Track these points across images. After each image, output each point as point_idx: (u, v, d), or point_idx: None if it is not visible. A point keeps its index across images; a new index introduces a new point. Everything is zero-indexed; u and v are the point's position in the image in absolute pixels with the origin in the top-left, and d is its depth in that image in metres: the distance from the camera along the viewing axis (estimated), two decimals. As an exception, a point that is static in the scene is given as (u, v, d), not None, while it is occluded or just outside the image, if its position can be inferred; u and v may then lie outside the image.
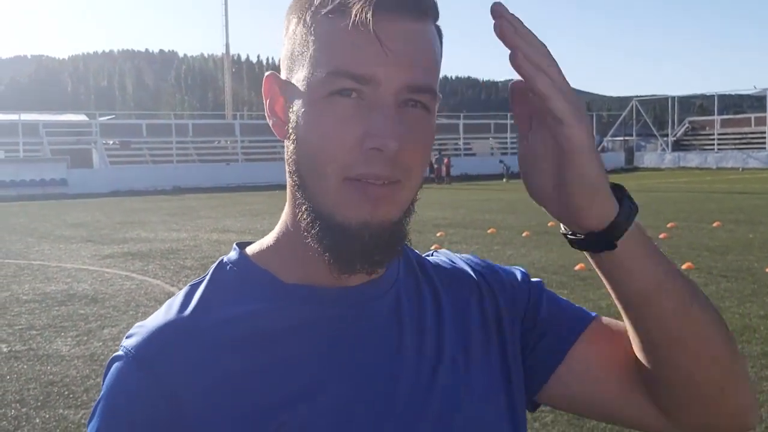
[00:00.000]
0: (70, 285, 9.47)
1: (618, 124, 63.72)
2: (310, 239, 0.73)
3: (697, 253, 10.74)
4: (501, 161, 43.07)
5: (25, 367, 5.85)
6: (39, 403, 4.97)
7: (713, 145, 56.14)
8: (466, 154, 51.05)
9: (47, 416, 4.72)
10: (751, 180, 34.61)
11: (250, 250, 0.82)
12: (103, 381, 0.75)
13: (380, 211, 0.70)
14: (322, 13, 0.70)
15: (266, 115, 0.77)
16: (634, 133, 61.84)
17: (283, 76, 0.75)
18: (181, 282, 9.43)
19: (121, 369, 0.73)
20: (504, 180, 38.71)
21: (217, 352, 0.73)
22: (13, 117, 43.53)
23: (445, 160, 39.04)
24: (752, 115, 60.51)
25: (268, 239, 0.81)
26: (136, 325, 0.77)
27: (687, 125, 62.30)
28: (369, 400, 0.75)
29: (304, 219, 0.73)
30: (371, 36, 0.67)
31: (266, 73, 0.77)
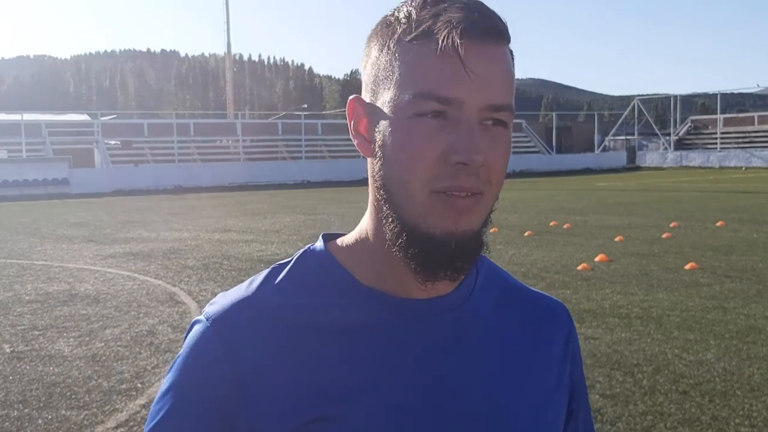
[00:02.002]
0: (72, 285, 9.46)
1: (620, 123, 63.61)
2: (396, 249, 0.78)
3: (701, 253, 10.71)
4: None
5: (27, 367, 5.83)
6: (41, 404, 4.95)
7: (716, 144, 56.05)
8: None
9: (50, 417, 4.71)
10: (755, 179, 34.55)
11: (333, 244, 0.87)
12: (184, 339, 0.83)
13: (463, 222, 0.75)
14: (407, 39, 0.76)
15: (351, 135, 0.83)
16: (636, 133, 61.75)
17: (366, 99, 0.81)
18: (182, 282, 9.42)
19: (199, 333, 0.81)
20: None
21: (286, 334, 0.79)
22: (16, 117, 43.60)
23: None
24: (755, 114, 60.46)
25: (349, 238, 0.86)
26: (220, 294, 0.85)
27: (689, 124, 62.23)
28: (413, 409, 0.79)
29: (391, 230, 0.78)
30: (456, 60, 0.73)
31: (351, 97, 0.82)
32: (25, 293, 8.99)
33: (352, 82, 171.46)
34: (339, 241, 0.87)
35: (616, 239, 12.51)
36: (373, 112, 0.79)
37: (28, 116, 44.12)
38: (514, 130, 61.65)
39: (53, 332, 6.94)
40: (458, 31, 0.73)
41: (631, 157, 57.30)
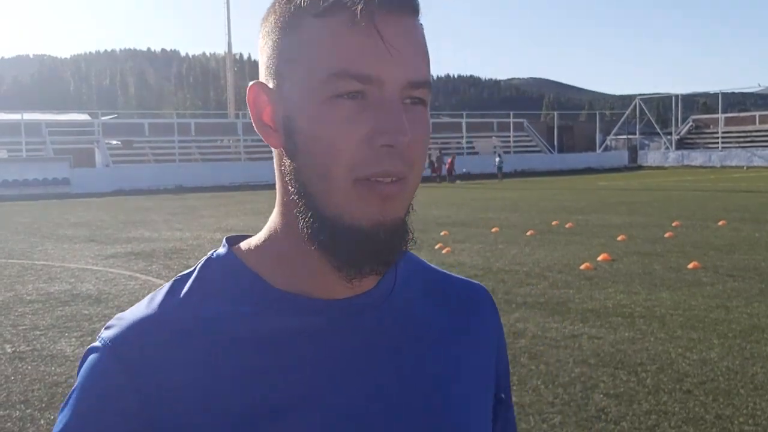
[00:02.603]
0: (73, 285, 9.45)
1: (621, 122, 63.61)
2: (316, 246, 0.71)
3: (703, 252, 10.69)
4: (497, 154, 43.08)
5: (29, 367, 5.82)
6: (43, 405, 4.93)
7: (717, 143, 56.02)
8: (468, 153, 51.01)
9: (52, 417, 4.69)
10: (756, 178, 34.52)
11: (239, 248, 0.79)
12: (78, 371, 0.73)
13: (390, 209, 0.69)
14: (314, 14, 0.68)
15: (254, 126, 0.75)
16: (637, 132, 61.73)
17: (270, 84, 0.73)
18: (184, 282, 9.40)
19: (97, 360, 0.71)
20: (498, 179, 38.59)
21: (200, 352, 0.71)
22: (16, 116, 43.62)
23: (449, 159, 38.98)
24: (756, 113, 60.40)
25: (257, 240, 0.79)
26: (116, 316, 0.75)
27: (691, 123, 62.19)
28: (350, 414, 0.73)
29: (309, 226, 0.71)
30: (373, 34, 0.67)
31: (250, 83, 0.74)
32: (26, 293, 8.98)
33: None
34: (246, 243, 0.79)
35: (619, 238, 12.49)
36: (279, 99, 0.72)
37: (28, 116, 44.15)
38: (516, 129, 61.91)
39: (55, 332, 6.92)
40: (374, 3, 0.67)
41: (633, 156, 57.28)
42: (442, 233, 13.95)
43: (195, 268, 0.78)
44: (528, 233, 13.66)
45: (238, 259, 0.77)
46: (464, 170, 42.78)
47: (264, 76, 0.74)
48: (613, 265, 9.81)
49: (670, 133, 59.97)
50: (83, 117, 52.05)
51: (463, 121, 55.41)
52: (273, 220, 0.77)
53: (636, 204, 20.48)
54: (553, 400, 4.71)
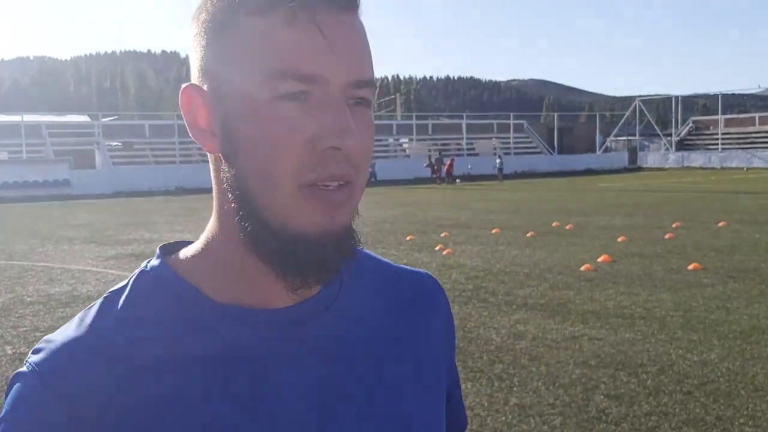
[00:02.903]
0: (74, 287, 9.45)
1: (621, 123, 63.63)
2: (258, 255, 0.68)
3: (703, 254, 10.69)
4: (497, 155, 43.11)
5: (29, 369, 5.82)
6: (44, 406, 4.94)
7: (717, 144, 56.03)
8: (469, 154, 51.02)
9: (52, 419, 4.69)
10: (756, 180, 34.52)
11: (174, 258, 0.75)
12: (5, 398, 0.68)
13: (338, 216, 0.66)
14: (247, 13, 0.65)
15: (189, 130, 0.70)
16: (637, 133, 61.75)
17: (204, 86, 0.68)
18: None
19: (24, 386, 0.66)
20: (499, 180, 38.58)
21: (130, 375, 0.67)
22: (16, 118, 43.62)
23: (448, 161, 38.97)
24: (756, 115, 60.44)
25: (193, 249, 0.74)
26: (44, 338, 0.70)
27: (690, 125, 62.21)
28: None
29: (250, 234, 0.67)
30: (314, 31, 0.64)
31: (184, 85, 0.69)
32: (26, 295, 8.98)
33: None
34: (181, 253, 0.75)
35: (619, 240, 12.49)
36: (216, 101, 0.67)
37: (29, 117, 44.17)
38: (516, 130, 61.88)
39: (55, 333, 6.92)
40: None
41: (633, 157, 57.29)
42: (442, 234, 13.96)
43: (128, 282, 0.73)
44: (528, 234, 13.66)
45: (172, 271, 0.73)
46: (469, 167, 42.89)
47: (197, 78, 0.69)
48: (613, 267, 9.81)
49: (670, 135, 59.99)
50: (83, 119, 52.06)
51: (463, 122, 55.43)
52: (210, 228, 0.73)
53: (636, 205, 20.48)
54: (553, 402, 4.71)
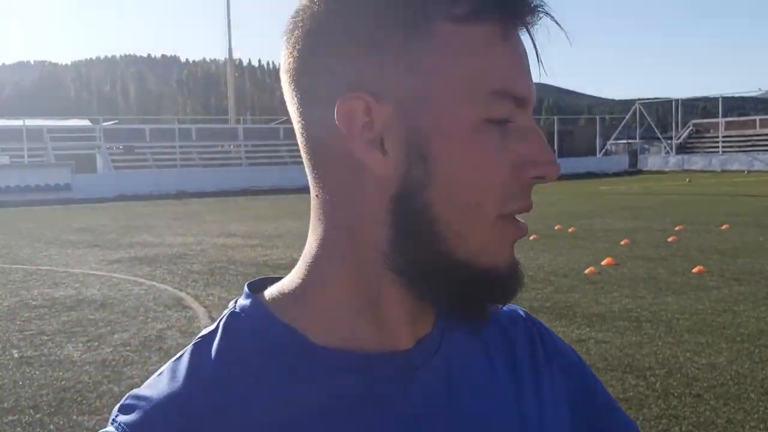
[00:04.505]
0: (78, 290, 9.45)
1: (621, 127, 63.65)
2: (415, 292, 0.60)
3: (707, 256, 10.69)
4: None
5: (37, 372, 5.82)
6: (53, 409, 4.93)
7: (718, 147, 56.05)
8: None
9: (61, 422, 4.69)
10: (757, 183, 34.53)
11: (268, 295, 0.65)
12: None
13: (515, 249, 0.63)
14: (450, 18, 0.56)
15: (344, 144, 0.58)
16: (637, 136, 61.78)
17: (377, 97, 0.57)
18: (189, 287, 9.40)
19: None
20: None
21: None
22: (17, 123, 43.61)
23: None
24: (757, 117, 60.46)
25: (291, 284, 0.64)
26: (132, 394, 0.61)
27: (691, 128, 62.23)
28: None
29: (431, 269, 0.59)
30: (517, 49, 0.58)
31: (347, 94, 0.57)
32: (31, 298, 8.98)
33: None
34: (276, 288, 0.65)
35: (622, 243, 12.49)
36: (399, 115, 0.57)
37: (30, 122, 44.13)
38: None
39: (61, 337, 6.92)
40: (517, 6, 0.57)
41: (633, 160, 57.31)
42: (445, 238, 13.95)
43: (218, 327, 0.64)
44: (531, 237, 13.65)
45: (268, 311, 0.63)
46: None
47: (356, 84, 0.57)
48: (617, 270, 9.81)
49: (671, 138, 60.01)
50: (84, 123, 52.07)
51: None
52: (321, 260, 0.62)
53: (638, 208, 20.49)
54: (563, 405, 4.70)
